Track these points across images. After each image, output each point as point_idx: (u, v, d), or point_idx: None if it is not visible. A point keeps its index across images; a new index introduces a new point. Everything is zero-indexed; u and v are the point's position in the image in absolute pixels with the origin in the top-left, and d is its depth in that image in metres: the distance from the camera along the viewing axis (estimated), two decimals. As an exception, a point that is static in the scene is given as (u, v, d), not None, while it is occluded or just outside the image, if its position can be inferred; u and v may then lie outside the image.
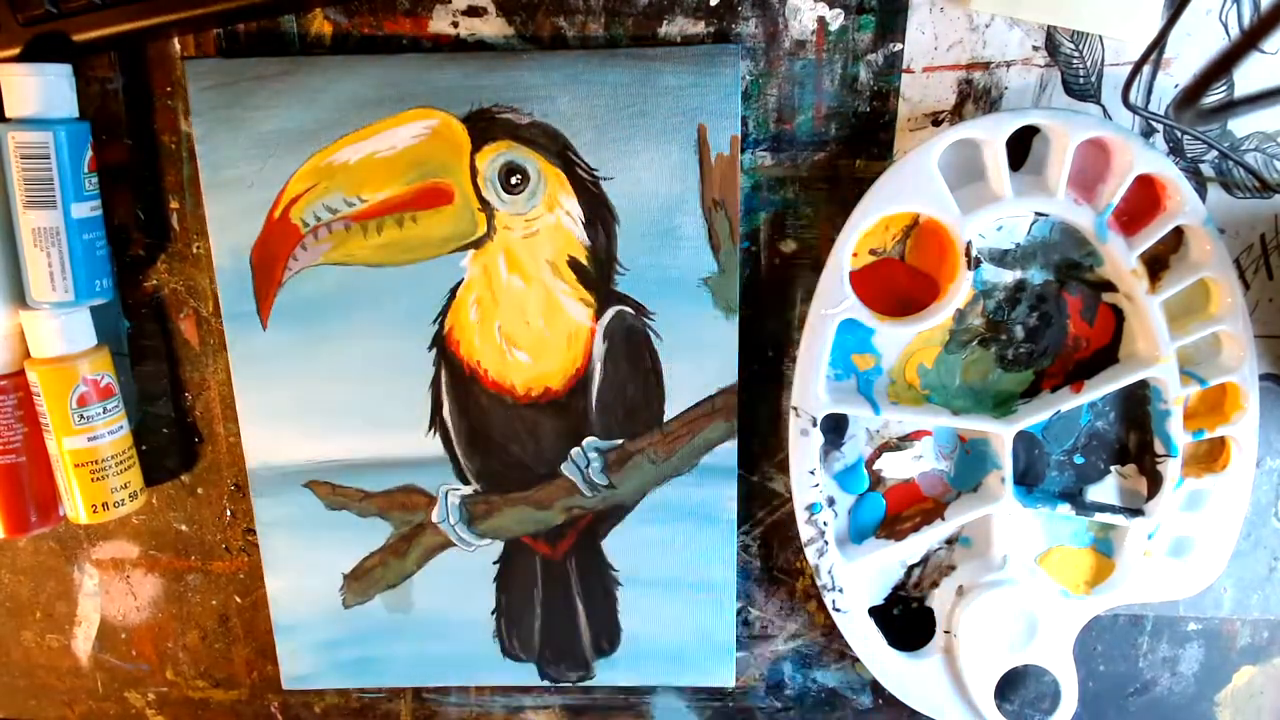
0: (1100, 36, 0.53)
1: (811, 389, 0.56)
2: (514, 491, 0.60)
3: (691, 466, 0.60)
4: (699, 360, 0.58)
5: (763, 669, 0.65)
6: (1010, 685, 0.63)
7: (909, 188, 0.53)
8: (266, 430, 0.59)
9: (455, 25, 0.54)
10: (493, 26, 0.54)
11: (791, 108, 0.55)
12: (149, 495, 0.61)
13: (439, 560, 0.62)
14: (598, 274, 0.57)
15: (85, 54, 0.53)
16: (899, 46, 0.54)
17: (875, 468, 0.60)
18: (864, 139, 0.55)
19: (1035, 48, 0.54)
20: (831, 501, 0.60)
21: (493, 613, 0.63)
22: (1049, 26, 0.53)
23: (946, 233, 0.54)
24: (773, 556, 0.62)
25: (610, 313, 0.57)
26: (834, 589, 0.59)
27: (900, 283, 0.57)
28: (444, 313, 0.57)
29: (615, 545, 0.61)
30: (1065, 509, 0.59)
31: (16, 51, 0.52)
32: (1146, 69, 0.54)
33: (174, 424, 0.61)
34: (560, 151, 0.55)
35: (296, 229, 0.56)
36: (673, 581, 0.61)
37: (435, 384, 0.58)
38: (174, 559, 0.63)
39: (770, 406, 0.60)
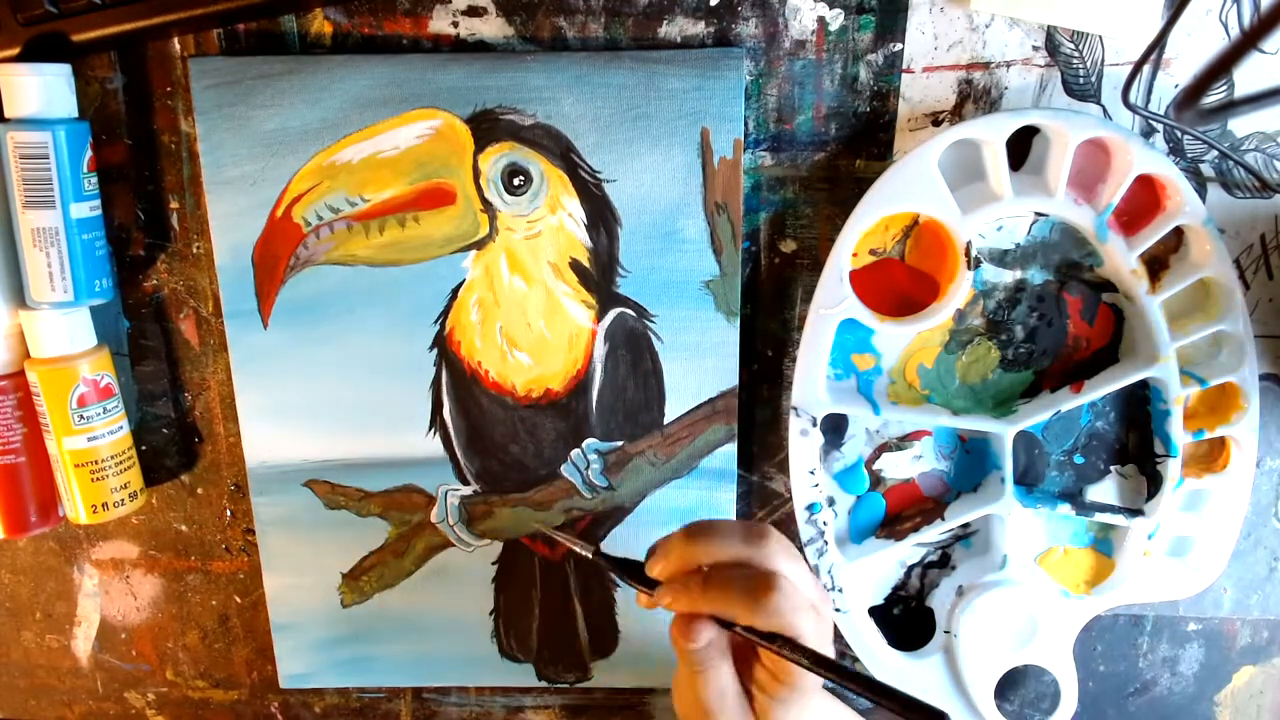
0: (1100, 36, 0.54)
1: (811, 389, 0.56)
2: (513, 492, 0.60)
3: (691, 469, 0.60)
4: (700, 363, 0.58)
5: (763, 669, 0.65)
6: (1010, 685, 0.63)
7: (909, 188, 0.53)
8: (266, 429, 0.59)
9: (455, 25, 0.54)
10: (493, 27, 0.54)
11: (791, 108, 0.55)
12: (149, 495, 0.61)
13: (438, 560, 0.62)
14: (599, 276, 0.57)
15: (85, 54, 0.53)
16: (899, 46, 0.54)
17: (875, 468, 0.60)
18: (864, 139, 0.56)
19: (1035, 48, 0.54)
20: (831, 501, 0.60)
21: (491, 613, 0.63)
22: (1049, 26, 0.53)
23: (946, 233, 0.54)
24: (773, 556, 0.62)
25: (611, 315, 0.57)
26: (834, 589, 0.59)
27: (900, 283, 0.57)
28: (445, 313, 0.57)
29: (614, 547, 0.61)
30: (1065, 509, 0.59)
31: (16, 51, 0.52)
32: (1146, 69, 0.54)
33: (174, 424, 0.61)
34: (563, 153, 0.55)
35: (298, 228, 0.56)
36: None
37: (436, 384, 0.58)
38: (174, 559, 0.63)
39: (770, 406, 0.60)
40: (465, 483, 0.60)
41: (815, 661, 0.44)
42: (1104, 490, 0.60)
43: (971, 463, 0.60)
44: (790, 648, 0.44)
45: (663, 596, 0.47)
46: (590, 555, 0.50)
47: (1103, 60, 0.54)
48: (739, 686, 0.47)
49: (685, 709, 0.49)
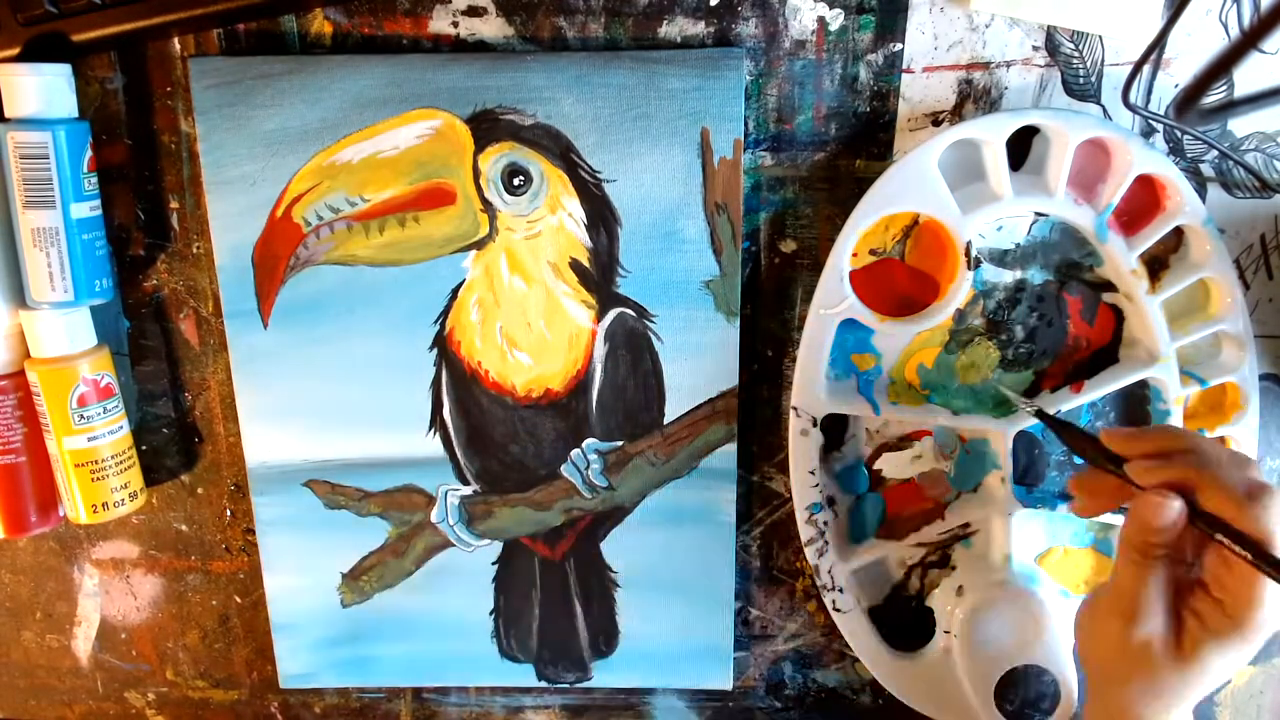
0: (1100, 36, 0.54)
1: (811, 389, 0.56)
2: (513, 492, 0.60)
3: (691, 469, 0.60)
4: (700, 363, 0.58)
5: (763, 669, 0.65)
6: (1010, 685, 0.63)
7: (909, 188, 0.53)
8: (266, 429, 0.59)
9: (455, 25, 0.54)
10: (493, 27, 0.54)
11: (791, 108, 0.55)
12: (149, 495, 0.61)
13: (438, 560, 0.62)
14: (599, 276, 0.57)
15: (85, 54, 0.53)
16: (899, 46, 0.54)
17: (875, 468, 0.60)
18: (864, 139, 0.56)
19: (1035, 48, 0.54)
20: (831, 501, 0.60)
21: (491, 613, 0.63)
22: (1049, 26, 0.53)
23: (946, 233, 0.54)
24: (773, 556, 0.62)
25: (611, 315, 0.57)
26: (834, 589, 0.59)
27: (900, 283, 0.57)
28: (445, 313, 0.57)
29: (614, 547, 0.61)
30: (1065, 509, 0.59)
31: (16, 51, 0.52)
32: (1146, 69, 0.54)
33: (174, 424, 0.61)
34: (563, 153, 0.55)
35: (299, 228, 0.56)
36: (671, 584, 0.61)
37: (436, 384, 0.58)
38: (174, 559, 0.63)
39: (770, 407, 0.60)
40: (465, 483, 0.60)
41: None
42: (1104, 490, 0.60)
43: (971, 463, 0.60)
44: (1256, 550, 0.41)
45: (1141, 465, 0.45)
46: (1031, 411, 0.49)
47: (1103, 60, 0.54)
48: (1171, 599, 0.45)
49: (1103, 608, 0.47)
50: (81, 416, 0.55)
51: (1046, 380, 0.59)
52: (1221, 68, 0.38)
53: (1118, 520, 0.58)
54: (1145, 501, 0.44)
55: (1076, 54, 0.54)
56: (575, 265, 0.56)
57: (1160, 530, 0.44)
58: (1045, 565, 0.61)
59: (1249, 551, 0.41)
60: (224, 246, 0.56)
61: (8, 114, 0.51)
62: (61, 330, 0.54)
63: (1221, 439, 0.58)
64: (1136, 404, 0.59)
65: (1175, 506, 0.43)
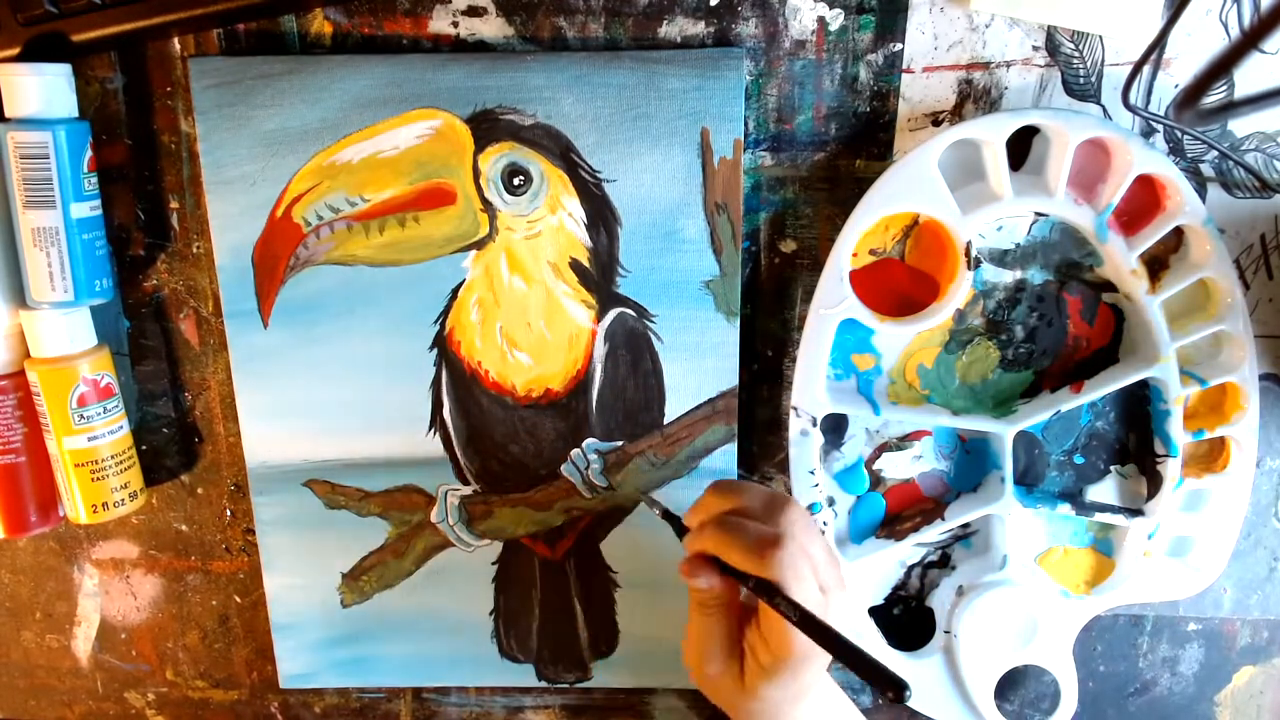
0: (1100, 36, 0.54)
1: (811, 389, 0.56)
2: (513, 492, 0.60)
3: (691, 469, 0.60)
4: (700, 363, 0.58)
5: (763, 669, 0.65)
6: (1010, 685, 0.63)
7: (909, 188, 0.53)
8: (266, 429, 0.59)
9: (455, 25, 0.54)
10: (493, 27, 0.54)
11: (791, 108, 0.55)
12: (149, 495, 0.61)
13: (438, 560, 0.62)
14: (599, 276, 0.57)
15: (85, 54, 0.53)
16: (899, 46, 0.54)
17: (875, 468, 0.60)
18: (864, 139, 0.56)
19: (1035, 48, 0.54)
20: (831, 501, 0.60)
21: (491, 613, 0.63)
22: (1049, 26, 0.53)
23: (946, 233, 0.54)
24: (773, 556, 0.62)
25: (611, 315, 0.57)
26: (834, 589, 0.59)
27: (900, 283, 0.57)
28: (445, 313, 0.57)
29: (614, 547, 0.61)
30: (1065, 509, 0.59)
31: (16, 51, 0.52)
32: (1146, 69, 0.54)
33: (174, 424, 0.61)
34: (563, 153, 0.55)
35: (299, 228, 0.56)
36: (671, 584, 0.61)
37: (436, 384, 0.58)
38: (174, 559, 0.63)
39: (770, 407, 0.60)
40: (465, 483, 0.60)
41: (801, 616, 0.44)
42: (1104, 490, 0.60)
43: (971, 463, 0.60)
44: (772, 595, 0.45)
45: (688, 538, 0.49)
46: (658, 514, 0.53)
47: (1103, 60, 0.54)
48: (732, 642, 0.49)
49: (687, 652, 0.51)
50: (81, 416, 0.55)
51: (1046, 380, 0.59)
52: (1221, 68, 0.38)
53: (1118, 520, 0.59)
54: (682, 569, 0.49)
55: (1076, 54, 0.54)
56: (575, 265, 0.56)
57: (700, 591, 0.49)
58: (1045, 565, 0.61)
59: (764, 594, 0.45)
60: (224, 246, 0.56)
61: (8, 114, 0.51)
62: (61, 330, 0.54)
63: (1221, 439, 0.58)
64: (1136, 404, 0.59)
65: (698, 569, 0.48)
